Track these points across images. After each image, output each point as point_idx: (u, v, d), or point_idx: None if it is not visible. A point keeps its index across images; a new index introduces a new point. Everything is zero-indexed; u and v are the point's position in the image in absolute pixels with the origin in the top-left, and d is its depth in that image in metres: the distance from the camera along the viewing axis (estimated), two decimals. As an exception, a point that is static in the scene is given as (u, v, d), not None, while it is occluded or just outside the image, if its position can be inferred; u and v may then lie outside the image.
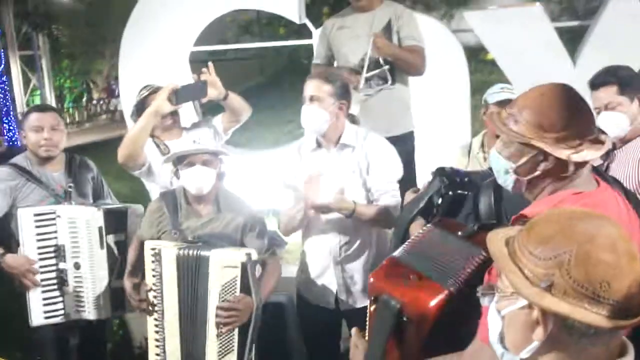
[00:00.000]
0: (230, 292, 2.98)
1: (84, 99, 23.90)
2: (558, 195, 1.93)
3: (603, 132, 2.00)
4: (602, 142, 1.94)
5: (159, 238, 3.22)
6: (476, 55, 7.26)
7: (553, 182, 1.96)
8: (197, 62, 5.84)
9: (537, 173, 1.95)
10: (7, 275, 3.51)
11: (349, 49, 4.43)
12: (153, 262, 3.08)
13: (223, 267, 2.96)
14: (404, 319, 1.97)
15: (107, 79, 23.52)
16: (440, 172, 2.55)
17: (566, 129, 1.88)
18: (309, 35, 5.74)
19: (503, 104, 3.61)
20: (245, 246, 3.16)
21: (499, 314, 1.43)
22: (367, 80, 4.26)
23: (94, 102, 24.24)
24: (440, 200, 2.44)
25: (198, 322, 3.01)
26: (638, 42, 4.86)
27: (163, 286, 3.06)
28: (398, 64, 4.31)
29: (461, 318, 1.89)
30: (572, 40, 5.69)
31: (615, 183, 2.22)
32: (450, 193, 2.43)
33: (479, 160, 3.77)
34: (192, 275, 3.01)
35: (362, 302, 3.31)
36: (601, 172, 2.30)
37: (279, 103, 9.15)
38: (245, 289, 2.98)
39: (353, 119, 3.46)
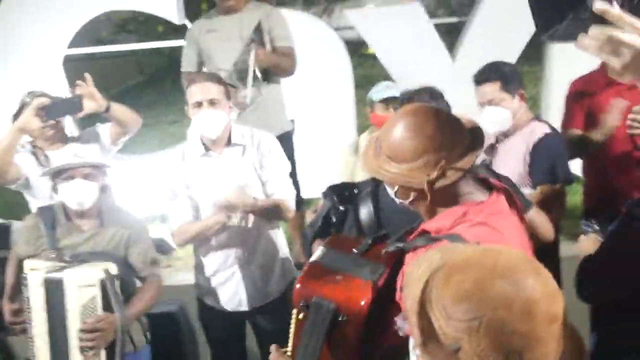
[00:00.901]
0: (91, 312, 2.82)
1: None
2: (461, 208, 1.90)
3: (472, 146, 1.94)
4: (468, 156, 1.89)
5: (37, 256, 3.01)
6: (357, 50, 7.32)
7: (438, 201, 1.91)
8: (72, 61, 5.60)
9: (410, 198, 1.93)
10: None
11: (219, 53, 4.36)
12: (23, 286, 2.88)
13: (80, 287, 2.79)
14: (340, 318, 1.95)
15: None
16: (330, 190, 2.55)
17: (420, 156, 1.85)
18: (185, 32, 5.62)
19: (388, 101, 3.65)
20: (129, 262, 3.05)
21: (414, 352, 1.38)
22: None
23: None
24: (334, 218, 2.45)
25: (64, 349, 2.82)
26: (513, 36, 5.05)
27: (32, 312, 2.86)
28: (273, 70, 4.30)
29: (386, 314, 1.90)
30: (451, 35, 5.85)
31: (500, 178, 2.26)
32: (343, 208, 2.44)
33: (367, 158, 3.77)
34: (55, 299, 2.81)
35: (270, 297, 3.34)
36: (488, 170, 2.35)
37: (161, 103, 8.90)
38: (108, 306, 2.84)
39: None
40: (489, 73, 3.28)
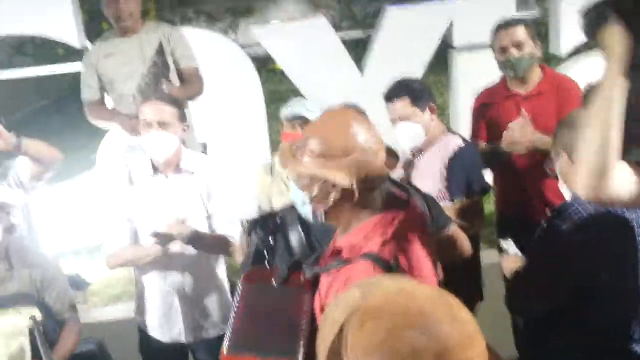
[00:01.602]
0: None
1: None
2: (370, 222, 1.91)
3: (392, 152, 2.01)
4: (390, 164, 1.95)
5: None
6: (265, 65, 7.30)
7: (355, 209, 1.92)
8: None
9: (330, 202, 1.91)
10: None
11: (121, 78, 4.21)
12: None
13: (7, 337, 2.67)
14: None
15: None
16: (253, 225, 2.49)
17: (350, 154, 1.86)
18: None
19: (295, 119, 3.64)
20: (46, 305, 2.90)
21: None
22: None
23: None
24: (266, 251, 2.38)
25: None
26: (420, 48, 5.14)
27: None
28: (184, 98, 4.22)
29: None
30: (357, 49, 5.89)
31: (417, 193, 2.28)
32: (272, 240, 2.38)
33: (282, 178, 3.75)
34: None
35: (211, 332, 3.28)
36: (402, 185, 2.36)
37: (67, 129, 8.60)
38: (37, 354, 2.72)
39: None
40: (398, 90, 3.31)
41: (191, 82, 4.29)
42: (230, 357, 2.01)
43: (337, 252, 1.96)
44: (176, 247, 3.10)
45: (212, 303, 3.29)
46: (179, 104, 3.23)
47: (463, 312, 1.24)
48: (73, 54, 8.64)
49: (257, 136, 5.40)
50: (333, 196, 1.89)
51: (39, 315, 2.74)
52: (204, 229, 3.15)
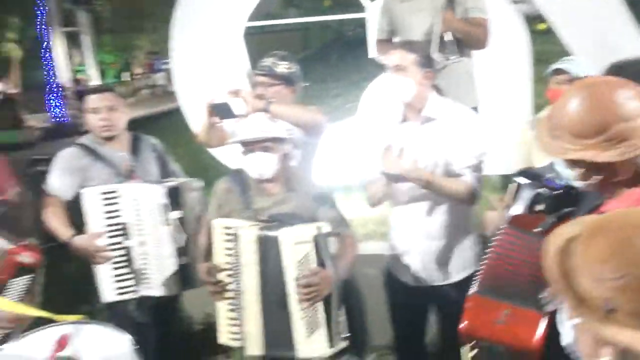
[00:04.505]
0: (306, 267, 2.94)
1: (126, 74, 23.91)
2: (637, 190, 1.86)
3: None
4: None
5: (228, 217, 3.18)
6: (529, 26, 7.09)
7: (625, 178, 1.86)
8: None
9: (592, 180, 1.87)
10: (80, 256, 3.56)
11: (411, 23, 4.35)
12: (228, 241, 3.03)
13: (295, 244, 2.93)
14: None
15: (148, 54, 23.60)
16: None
17: (605, 130, 1.78)
18: (356, 6, 5.64)
19: (558, 72, 3.64)
20: (319, 221, 3.11)
21: (569, 323, 1.40)
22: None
23: (135, 77, 24.28)
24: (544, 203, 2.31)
25: (280, 303, 2.97)
26: None
27: (241, 267, 3.01)
28: (463, 39, 4.22)
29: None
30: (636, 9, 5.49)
31: None
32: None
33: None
34: (268, 256, 2.96)
35: (456, 275, 3.32)
36: None
37: (327, 77, 8.99)
38: (321, 262, 2.95)
39: (439, 90, 3.38)
40: None
41: (476, 29, 4.28)
42: (476, 298, 2.03)
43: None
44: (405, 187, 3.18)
45: (458, 248, 3.33)
46: (421, 50, 3.31)
47: None
48: (339, 5, 9.04)
49: (521, 95, 5.30)
50: (597, 174, 1.85)
51: (325, 227, 2.98)
52: (441, 174, 3.19)
